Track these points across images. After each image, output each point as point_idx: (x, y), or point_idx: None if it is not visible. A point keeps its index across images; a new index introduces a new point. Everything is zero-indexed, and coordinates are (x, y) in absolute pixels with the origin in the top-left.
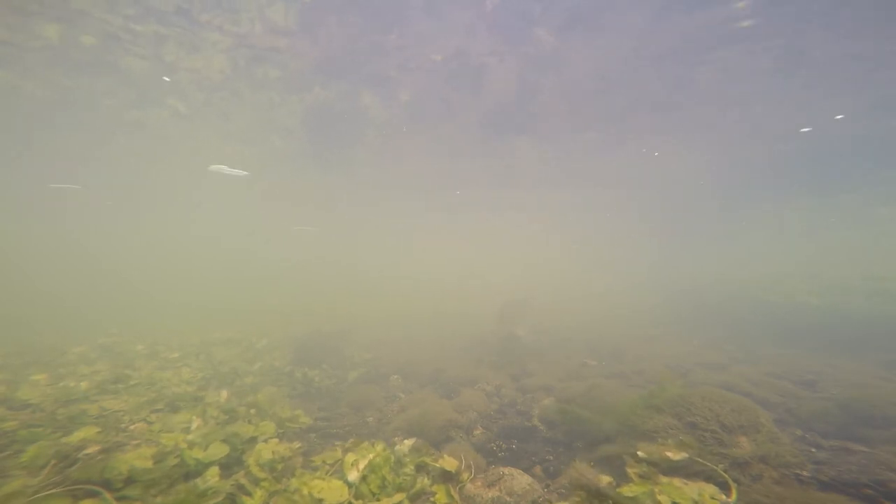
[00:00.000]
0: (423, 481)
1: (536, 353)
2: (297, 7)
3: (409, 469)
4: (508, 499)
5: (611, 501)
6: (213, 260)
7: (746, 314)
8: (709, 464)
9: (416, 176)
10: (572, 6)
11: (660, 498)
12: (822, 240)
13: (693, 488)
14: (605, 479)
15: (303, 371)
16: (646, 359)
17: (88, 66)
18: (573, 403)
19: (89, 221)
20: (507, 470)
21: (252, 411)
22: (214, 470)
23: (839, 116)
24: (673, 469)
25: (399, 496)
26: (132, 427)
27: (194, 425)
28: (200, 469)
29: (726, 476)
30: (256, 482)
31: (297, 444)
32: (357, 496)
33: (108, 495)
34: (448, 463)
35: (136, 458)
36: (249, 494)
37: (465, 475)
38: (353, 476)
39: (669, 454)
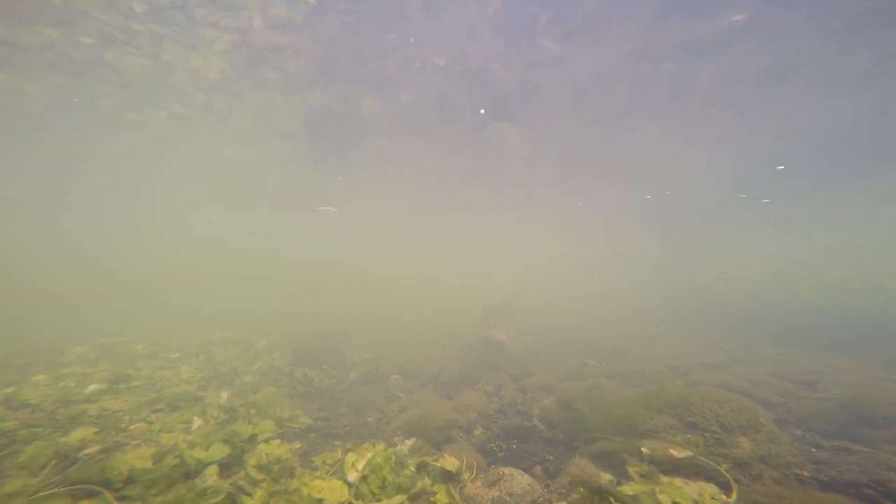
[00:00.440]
0: (424, 481)
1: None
2: (300, 7)
3: (410, 469)
4: (508, 499)
5: (611, 498)
6: (213, 259)
7: (747, 313)
8: (710, 463)
9: (416, 175)
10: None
11: (660, 497)
12: (822, 239)
13: (693, 488)
14: (605, 477)
15: (303, 371)
16: (646, 358)
17: (88, 66)
18: (573, 403)
19: (89, 221)
20: (507, 470)
21: (252, 411)
22: (214, 469)
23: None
24: (673, 469)
25: (399, 496)
26: (132, 427)
27: (194, 425)
28: (201, 469)
29: (727, 476)
30: (256, 482)
31: (297, 444)
32: (357, 496)
33: (108, 495)
34: (449, 463)
35: (136, 458)
36: (249, 494)
37: (465, 475)
38: (353, 476)
39: (673, 451)
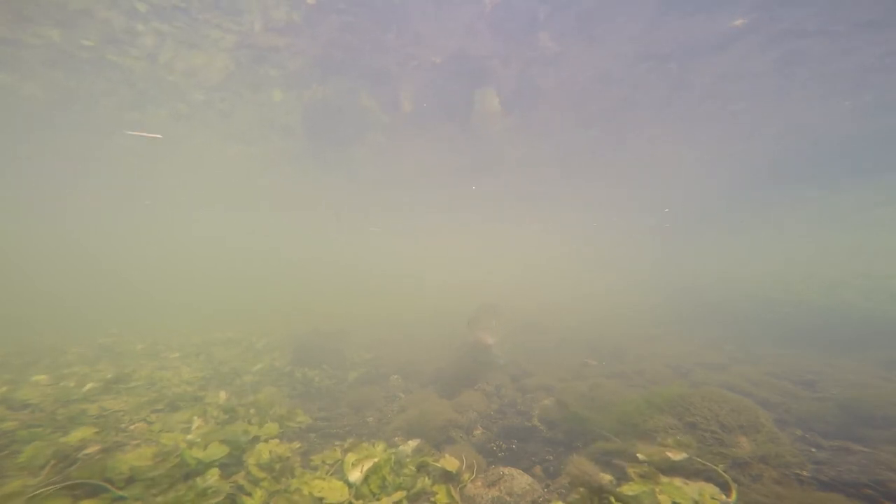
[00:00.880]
0: (424, 481)
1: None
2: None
3: (410, 469)
4: (509, 499)
5: (611, 498)
6: (213, 259)
7: (747, 313)
8: (709, 463)
9: (416, 175)
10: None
11: (660, 497)
12: (822, 239)
13: (693, 488)
14: (605, 478)
15: (303, 371)
16: (647, 358)
17: (88, 66)
18: (574, 403)
19: (89, 221)
20: (507, 470)
21: (252, 411)
22: (214, 469)
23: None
24: (673, 469)
25: (399, 493)
26: (132, 427)
27: (194, 425)
28: (201, 469)
29: (726, 476)
30: (256, 482)
31: (297, 444)
32: (357, 496)
33: (115, 490)
34: (449, 463)
35: (137, 458)
36: (250, 494)
37: (465, 475)
38: (353, 476)
39: (670, 454)
